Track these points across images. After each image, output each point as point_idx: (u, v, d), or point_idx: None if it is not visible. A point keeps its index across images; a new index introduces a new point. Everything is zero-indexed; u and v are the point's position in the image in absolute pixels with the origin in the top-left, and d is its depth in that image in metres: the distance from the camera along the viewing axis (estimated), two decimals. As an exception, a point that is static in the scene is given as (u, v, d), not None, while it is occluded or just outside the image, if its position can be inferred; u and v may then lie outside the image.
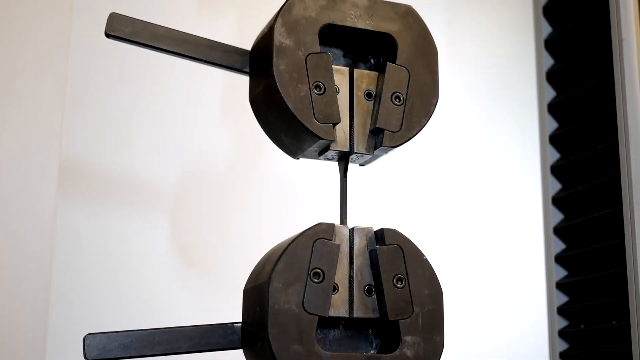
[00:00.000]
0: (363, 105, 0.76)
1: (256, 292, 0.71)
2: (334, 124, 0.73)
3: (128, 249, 1.12)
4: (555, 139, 1.36)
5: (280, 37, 0.72)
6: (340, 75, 0.76)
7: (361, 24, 0.75)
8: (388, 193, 1.27)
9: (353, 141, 0.74)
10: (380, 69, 0.78)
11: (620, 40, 1.20)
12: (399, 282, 0.72)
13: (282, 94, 0.71)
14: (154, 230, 1.14)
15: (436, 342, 0.72)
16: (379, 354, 0.71)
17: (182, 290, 1.13)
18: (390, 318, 0.71)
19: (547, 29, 1.40)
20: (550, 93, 1.38)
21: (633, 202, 1.15)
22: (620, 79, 1.19)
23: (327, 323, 0.73)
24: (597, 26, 1.29)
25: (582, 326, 1.27)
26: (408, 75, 0.76)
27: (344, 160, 0.77)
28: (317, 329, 0.68)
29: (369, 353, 0.73)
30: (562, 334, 1.30)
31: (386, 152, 0.76)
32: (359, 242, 0.73)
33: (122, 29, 0.74)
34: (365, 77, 0.77)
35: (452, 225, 1.29)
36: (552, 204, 1.34)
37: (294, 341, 0.67)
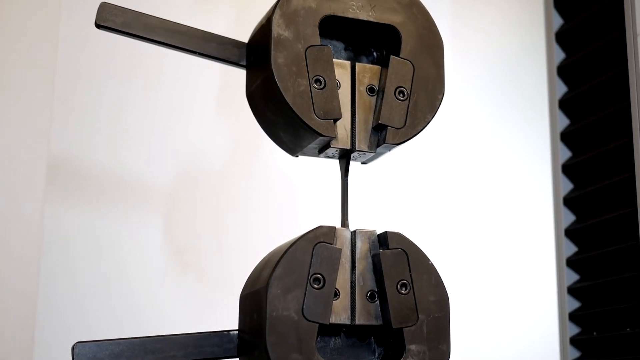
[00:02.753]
0: (365, 101, 0.76)
1: (253, 298, 0.71)
2: (335, 120, 0.72)
3: (119, 252, 1.12)
4: (566, 137, 1.36)
5: (278, 29, 0.72)
6: (341, 69, 0.76)
7: (363, 15, 0.75)
8: (391, 193, 1.26)
9: (355, 138, 0.74)
10: (383, 62, 0.78)
11: (635, 35, 1.20)
12: (403, 288, 0.71)
13: (280, 88, 0.70)
14: (147, 232, 1.13)
15: (442, 351, 0.71)
16: (383, 363, 0.71)
17: (176, 296, 1.13)
18: (394, 326, 0.70)
19: (558, 21, 1.40)
20: (562, 88, 1.38)
21: (649, 202, 1.15)
22: (635, 73, 1.19)
23: (327, 331, 0.72)
24: (611, 18, 1.28)
25: (595, 333, 1.27)
26: (412, 69, 0.75)
27: (345, 158, 0.77)
28: (317, 337, 0.68)
29: (371, 362, 0.73)
30: (574, 341, 1.30)
31: (389, 150, 0.76)
32: (361, 246, 0.73)
33: (113, 20, 0.74)
34: (367, 71, 0.77)
35: (459, 228, 1.29)
36: (563, 205, 1.34)
37: (293, 350, 0.67)
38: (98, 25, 0.73)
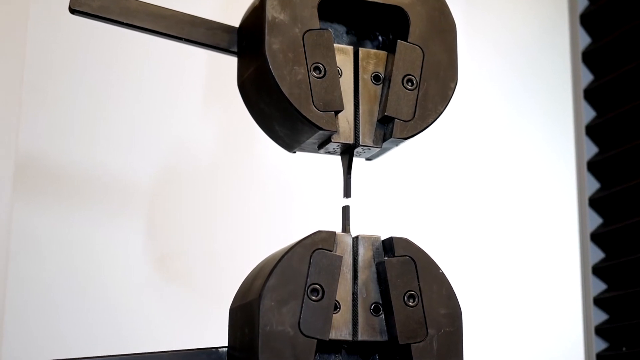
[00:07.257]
0: (370, 90, 0.76)
1: (245, 311, 0.70)
2: (336, 112, 0.72)
3: (96, 258, 1.12)
4: (592, 130, 1.36)
5: (273, 11, 0.72)
6: (343, 55, 0.76)
7: (367, -5, 0.75)
8: (398, 194, 1.26)
9: (358, 132, 0.74)
10: (389, 47, 0.78)
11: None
12: (411, 300, 0.71)
13: (275, 77, 0.70)
14: (127, 236, 1.13)
15: (455, 369, 0.71)
16: (389, 384, 0.71)
17: (159, 307, 1.13)
18: (401, 341, 0.70)
19: (583, 2, 1.40)
20: (587, 77, 1.38)
21: (684, 204, 1.15)
22: (669, 60, 1.19)
23: (327, 347, 0.72)
24: (642, -1, 1.28)
25: (624, 349, 1.27)
26: (422, 55, 0.75)
27: (347, 154, 0.77)
28: (315, 355, 0.68)
29: (376, 382, 0.73)
30: (601, 357, 1.30)
31: (397, 145, 0.76)
32: (364, 253, 0.73)
33: (88, 3, 0.73)
34: (372, 58, 0.77)
35: (472, 233, 1.29)
36: (589, 206, 1.34)
37: (289, 368, 0.67)
38: (72, 10, 0.73)
